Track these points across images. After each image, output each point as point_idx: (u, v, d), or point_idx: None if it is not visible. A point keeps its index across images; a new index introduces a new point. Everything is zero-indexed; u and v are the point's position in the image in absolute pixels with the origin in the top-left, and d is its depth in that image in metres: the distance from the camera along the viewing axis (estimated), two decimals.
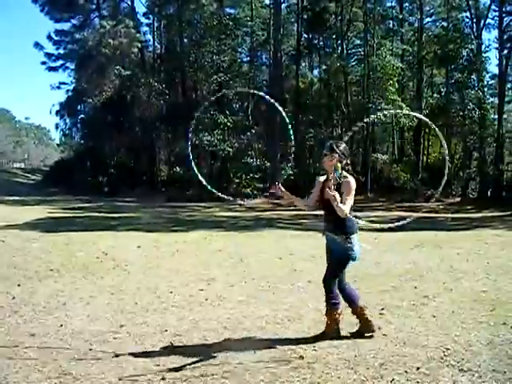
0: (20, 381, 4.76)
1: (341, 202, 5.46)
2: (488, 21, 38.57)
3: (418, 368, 4.95)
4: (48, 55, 44.72)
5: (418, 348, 5.50)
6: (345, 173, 5.72)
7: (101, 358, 5.30)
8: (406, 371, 4.89)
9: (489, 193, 35.68)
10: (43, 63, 45.01)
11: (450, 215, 19.36)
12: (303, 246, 13.47)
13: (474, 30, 37.18)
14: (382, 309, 7.04)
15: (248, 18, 43.55)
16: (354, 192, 5.68)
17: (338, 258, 5.86)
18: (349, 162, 5.86)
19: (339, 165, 5.66)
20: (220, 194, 6.23)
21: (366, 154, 40.05)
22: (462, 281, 8.88)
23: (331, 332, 5.84)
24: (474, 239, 14.89)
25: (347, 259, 5.81)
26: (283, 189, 5.77)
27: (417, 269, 10.08)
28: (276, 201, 5.29)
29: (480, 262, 10.72)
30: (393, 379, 4.72)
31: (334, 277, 5.89)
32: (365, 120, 6.26)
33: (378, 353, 5.37)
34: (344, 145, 5.82)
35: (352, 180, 5.72)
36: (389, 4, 44.49)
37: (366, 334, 5.88)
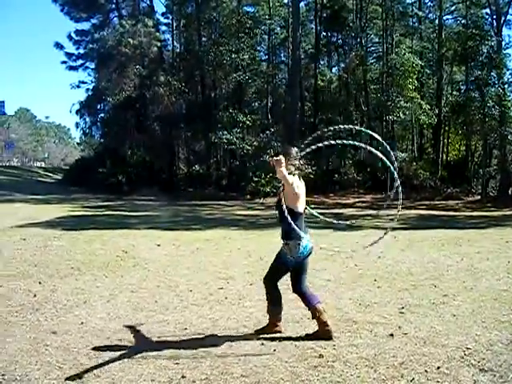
0: (41, 377, 4.80)
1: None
2: (508, 17, 38.34)
3: (438, 367, 4.93)
4: (68, 55, 45.02)
5: (438, 347, 5.47)
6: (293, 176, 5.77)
7: (121, 355, 5.33)
8: (425, 370, 4.87)
9: (509, 191, 35.35)
10: (63, 62, 45.31)
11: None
12: (321, 244, 13.45)
13: (494, 26, 36.85)
14: (402, 307, 7.02)
15: (267, 17, 43.56)
16: (292, 185, 5.66)
17: (278, 261, 5.99)
18: (302, 162, 6.00)
19: (292, 168, 5.79)
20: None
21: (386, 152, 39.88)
22: (483, 280, 8.82)
23: (271, 329, 5.98)
24: (494, 238, 14.79)
25: (283, 264, 5.89)
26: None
27: (436, 268, 10.04)
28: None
29: (500, 261, 10.65)
30: (413, 378, 4.70)
31: (272, 278, 6.01)
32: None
33: (397, 352, 5.35)
34: (294, 149, 5.98)
35: (293, 180, 5.69)
36: (408, 1, 44.20)
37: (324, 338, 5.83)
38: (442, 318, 6.52)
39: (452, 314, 6.72)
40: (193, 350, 5.50)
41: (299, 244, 5.75)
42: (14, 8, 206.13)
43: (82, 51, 45.04)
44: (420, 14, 43.00)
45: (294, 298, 7.60)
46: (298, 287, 5.94)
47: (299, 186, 5.78)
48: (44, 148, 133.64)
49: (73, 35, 44.14)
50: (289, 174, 5.62)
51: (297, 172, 5.86)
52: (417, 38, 43.48)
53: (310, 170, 37.01)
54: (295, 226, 5.61)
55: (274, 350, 5.43)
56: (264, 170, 35.60)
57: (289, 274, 6.01)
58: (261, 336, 5.89)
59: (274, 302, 6.02)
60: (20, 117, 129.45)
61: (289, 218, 5.56)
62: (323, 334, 5.81)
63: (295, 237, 5.73)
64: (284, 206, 5.63)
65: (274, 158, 5.36)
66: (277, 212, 5.97)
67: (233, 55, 38.69)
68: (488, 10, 37.49)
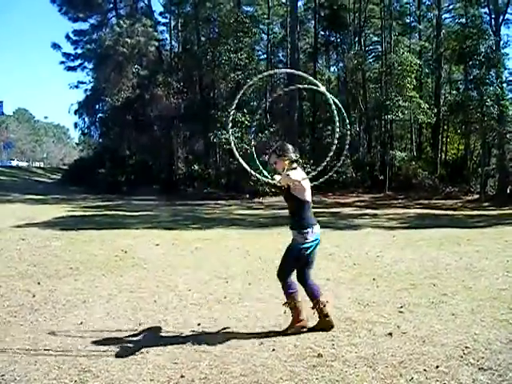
0: (40, 378, 4.80)
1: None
2: (507, 16, 38.35)
3: (437, 366, 4.93)
4: (66, 55, 45.00)
5: (436, 346, 5.47)
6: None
7: (120, 355, 5.33)
8: (424, 369, 4.87)
9: (508, 190, 35.38)
10: (62, 63, 45.29)
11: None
12: (321, 243, 13.44)
13: (493, 25, 36.85)
14: (401, 307, 7.02)
15: (265, 16, 43.59)
16: (292, 177, 5.78)
17: (292, 252, 5.98)
18: (297, 155, 6.14)
19: (287, 163, 5.96)
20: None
21: (384, 151, 39.95)
22: (482, 279, 8.82)
23: (300, 324, 6.00)
24: (492, 237, 14.79)
25: (299, 254, 5.92)
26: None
27: (435, 267, 10.03)
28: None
29: (499, 260, 10.64)
30: (412, 378, 4.70)
31: (288, 270, 6.02)
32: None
33: (396, 351, 5.36)
34: (289, 146, 6.13)
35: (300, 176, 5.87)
36: (406, 0, 44.20)
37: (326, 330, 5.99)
38: (441, 317, 6.52)
39: (451, 313, 6.71)
40: (192, 349, 5.51)
41: (312, 232, 5.89)
42: (12, 8, 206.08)
43: (80, 51, 45.05)
44: (418, 12, 43.07)
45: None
46: (304, 278, 6.04)
47: (305, 179, 5.88)
48: (43, 148, 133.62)
49: (71, 35, 44.16)
50: (291, 168, 5.86)
51: (295, 165, 5.97)
52: (415, 37, 43.53)
53: (309, 170, 37.13)
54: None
55: (273, 350, 5.43)
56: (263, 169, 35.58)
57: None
58: (259, 335, 5.90)
59: (291, 291, 6.02)
60: (18, 117, 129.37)
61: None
62: (297, 326, 5.97)
63: (308, 225, 5.88)
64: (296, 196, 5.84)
65: (283, 177, 5.65)
66: (286, 204, 6.07)
67: (231, 55, 38.66)
68: (486, 9, 37.47)
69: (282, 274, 6.02)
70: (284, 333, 5.94)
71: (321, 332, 5.98)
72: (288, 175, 5.72)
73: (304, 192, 5.89)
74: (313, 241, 5.91)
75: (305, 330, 5.98)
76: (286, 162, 5.94)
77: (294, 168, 5.92)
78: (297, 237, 5.91)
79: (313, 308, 6.07)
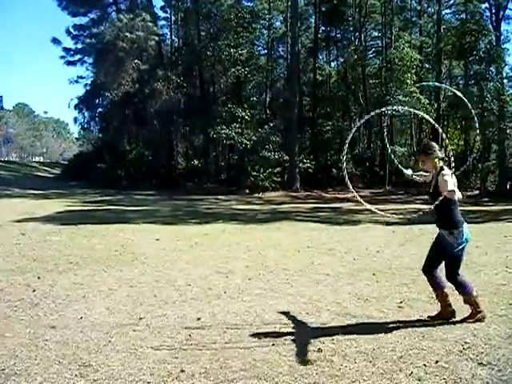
0: (41, 372, 4.81)
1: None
2: (507, 12, 38.23)
3: (436, 361, 4.94)
4: (66, 50, 44.84)
5: (436, 341, 5.48)
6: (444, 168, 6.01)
7: (120, 350, 5.34)
8: (424, 364, 4.88)
9: (508, 186, 35.36)
10: (62, 57, 45.14)
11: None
12: (321, 238, 13.48)
13: (493, 20, 36.79)
14: (401, 302, 7.04)
15: (265, 11, 43.49)
16: (450, 179, 5.75)
17: (449, 254, 6.15)
18: (442, 153, 6.20)
19: (436, 161, 6.03)
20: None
21: (384, 146, 39.95)
22: (481, 274, 8.83)
23: (479, 315, 6.16)
24: (492, 232, 14.80)
25: (457, 254, 6.11)
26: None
27: None
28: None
29: (499, 255, 10.66)
30: (411, 372, 4.71)
31: (455, 271, 6.18)
32: (377, 111, 6.72)
33: (396, 346, 5.37)
34: (434, 144, 6.22)
35: (445, 172, 5.87)
36: None
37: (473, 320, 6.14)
38: None
39: None
40: (192, 344, 5.52)
41: (463, 231, 6.03)
42: (12, 3, 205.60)
43: (80, 46, 44.92)
44: (419, 8, 43.00)
45: (294, 293, 7.63)
46: (453, 277, 6.20)
47: (453, 179, 5.91)
48: (42, 143, 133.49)
49: (71, 30, 44.01)
50: (441, 168, 5.96)
51: (442, 163, 6.05)
52: (416, 32, 43.45)
53: (308, 165, 37.16)
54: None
55: (273, 344, 5.44)
56: (262, 164, 35.60)
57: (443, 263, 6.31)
58: (259, 330, 5.91)
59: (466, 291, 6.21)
60: (18, 112, 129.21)
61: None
62: (476, 318, 6.12)
63: (458, 225, 6.03)
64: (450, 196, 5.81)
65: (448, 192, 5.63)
66: (432, 203, 6.06)
67: (231, 50, 38.60)
68: (487, 5, 37.38)
69: (453, 277, 6.17)
70: (467, 320, 6.15)
71: (321, 327, 5.99)
72: (446, 181, 5.70)
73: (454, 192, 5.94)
74: (465, 240, 6.05)
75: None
76: (436, 160, 6.01)
77: (442, 168, 5.95)
78: (449, 238, 6.08)
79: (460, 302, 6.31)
